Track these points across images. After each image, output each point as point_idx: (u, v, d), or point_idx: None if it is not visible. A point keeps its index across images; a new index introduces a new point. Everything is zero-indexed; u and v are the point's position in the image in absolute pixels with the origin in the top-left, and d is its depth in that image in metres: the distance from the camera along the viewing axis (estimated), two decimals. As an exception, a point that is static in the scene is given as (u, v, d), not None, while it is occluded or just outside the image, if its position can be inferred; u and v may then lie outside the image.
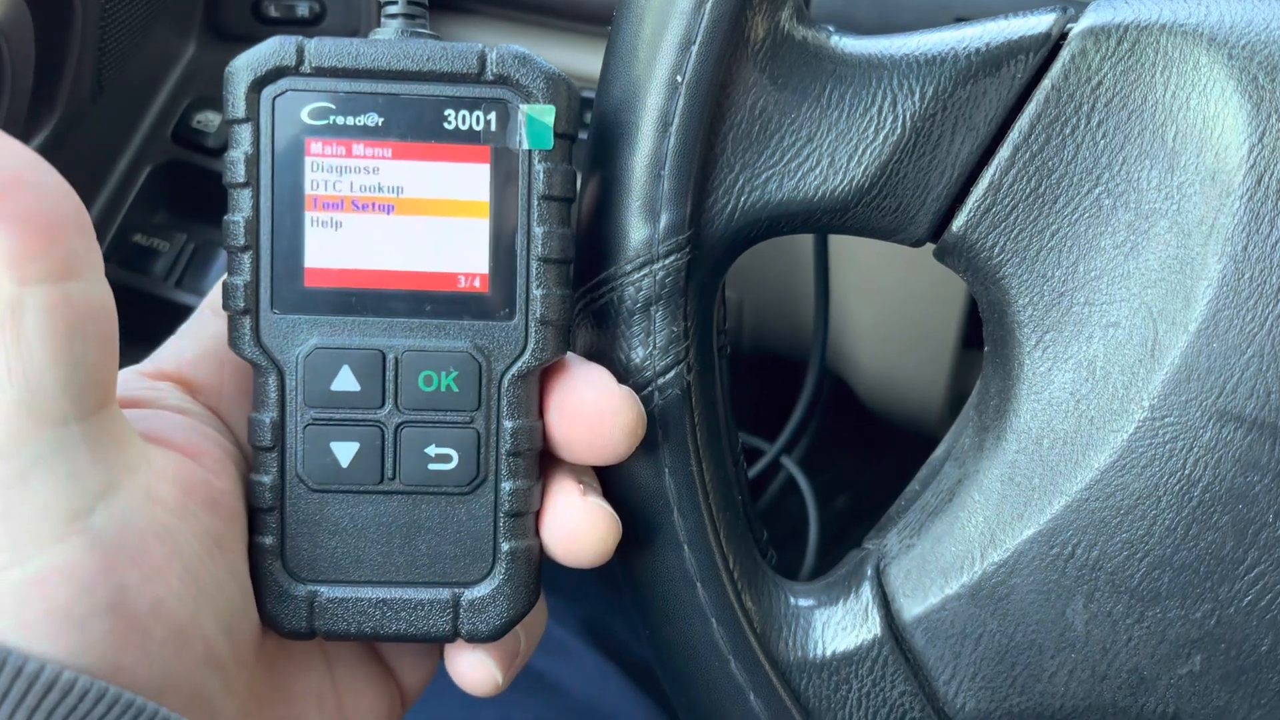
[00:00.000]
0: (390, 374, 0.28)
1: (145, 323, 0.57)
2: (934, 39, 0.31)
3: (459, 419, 0.29)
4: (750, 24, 0.30)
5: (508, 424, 0.29)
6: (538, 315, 0.28)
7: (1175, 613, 0.30)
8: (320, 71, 0.27)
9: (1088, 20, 0.30)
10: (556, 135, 0.28)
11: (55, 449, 0.24)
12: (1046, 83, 0.30)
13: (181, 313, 0.60)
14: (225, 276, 0.28)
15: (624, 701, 0.57)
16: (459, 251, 0.28)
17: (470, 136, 0.28)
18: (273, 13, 0.62)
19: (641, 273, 0.31)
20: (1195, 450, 0.29)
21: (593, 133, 0.32)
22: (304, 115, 0.28)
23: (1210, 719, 0.31)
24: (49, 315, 0.23)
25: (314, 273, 0.28)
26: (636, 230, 0.30)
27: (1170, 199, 0.29)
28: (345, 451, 0.28)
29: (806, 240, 0.67)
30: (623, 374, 0.31)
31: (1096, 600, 0.30)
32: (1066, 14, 0.30)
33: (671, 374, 0.31)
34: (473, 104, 0.28)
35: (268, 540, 0.29)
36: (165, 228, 0.61)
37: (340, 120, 0.28)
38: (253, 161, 0.28)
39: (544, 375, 0.30)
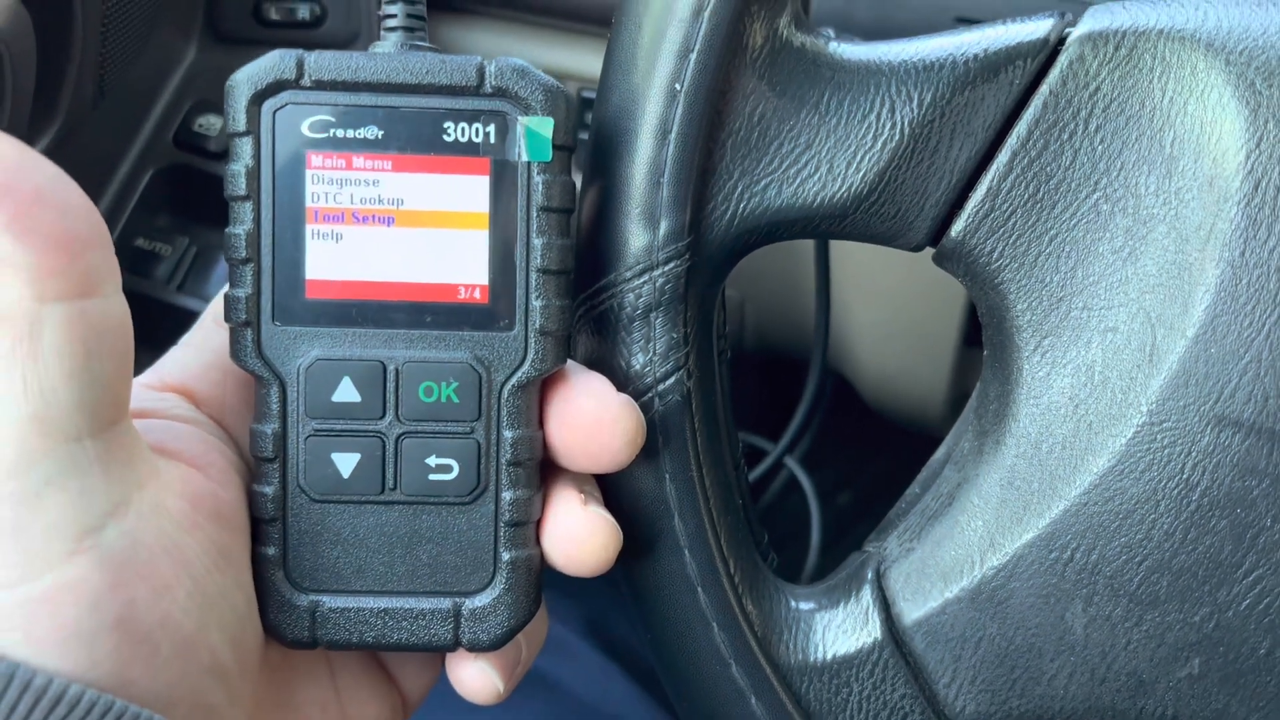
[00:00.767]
0: (391, 385, 0.28)
1: (148, 327, 0.57)
2: (932, 45, 0.31)
3: (459, 429, 0.29)
4: (749, 31, 0.30)
5: (508, 434, 0.29)
6: (537, 326, 0.29)
7: (1174, 616, 0.30)
8: (320, 85, 0.28)
9: (1086, 26, 0.30)
10: (555, 147, 0.28)
11: (68, 466, 0.24)
12: (1044, 88, 0.30)
13: (184, 316, 0.61)
14: (226, 289, 0.29)
15: (627, 701, 0.57)
16: (459, 263, 0.28)
17: (469, 149, 0.28)
18: (273, 15, 0.61)
19: (641, 279, 0.31)
20: (1193, 455, 0.29)
21: (592, 140, 0.32)
22: (304, 128, 0.28)
23: None
24: (67, 332, 0.23)
25: (315, 284, 0.28)
26: (636, 237, 0.31)
27: (1168, 204, 0.30)
28: (346, 462, 0.29)
29: (808, 239, 0.67)
30: (623, 380, 0.31)
31: (1095, 604, 0.31)
32: (1064, 19, 0.30)
33: (672, 380, 0.31)
34: (472, 116, 0.28)
35: (270, 551, 0.29)
36: (167, 231, 0.61)
37: (340, 133, 0.28)
38: (253, 174, 0.28)
39: (544, 384, 0.30)
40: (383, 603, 0.29)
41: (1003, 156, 0.30)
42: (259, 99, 0.28)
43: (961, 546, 0.32)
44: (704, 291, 0.32)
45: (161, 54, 0.60)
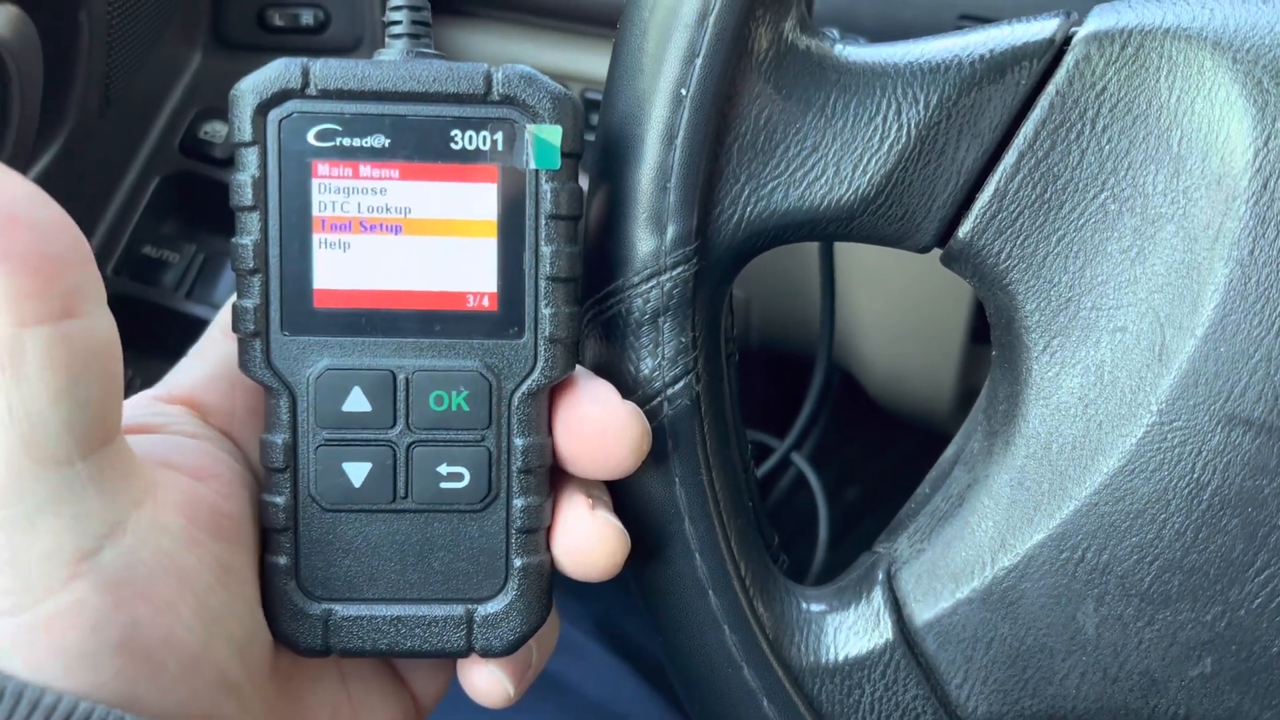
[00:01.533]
0: (401, 394, 0.28)
1: (156, 335, 0.57)
2: (937, 46, 0.31)
3: (470, 438, 0.29)
4: (754, 35, 0.30)
5: (518, 441, 0.29)
6: (547, 333, 0.29)
7: (1186, 615, 0.30)
8: (326, 94, 0.27)
9: (1091, 25, 0.30)
10: (563, 154, 0.28)
11: (60, 491, 0.23)
12: (1051, 88, 0.30)
13: (192, 323, 0.61)
14: (234, 299, 0.29)
15: (638, 701, 0.57)
16: (467, 271, 0.28)
17: (477, 156, 0.28)
18: (277, 21, 0.61)
19: (649, 284, 0.31)
20: (1204, 454, 0.29)
21: (598, 145, 0.32)
22: (310, 137, 0.28)
23: None
24: (49, 356, 0.23)
25: (323, 294, 0.28)
26: (644, 242, 0.31)
27: (1176, 204, 0.30)
28: (358, 472, 0.29)
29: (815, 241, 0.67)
30: (632, 384, 0.31)
31: (1107, 603, 0.31)
32: (1070, 18, 0.30)
33: (680, 384, 0.31)
34: (479, 124, 0.28)
35: (282, 560, 0.29)
36: (174, 239, 0.61)
37: (347, 142, 0.28)
38: (260, 184, 0.28)
39: (552, 390, 0.30)
40: (395, 610, 0.29)
41: (1009, 157, 0.30)
42: (264, 108, 0.27)
43: (972, 547, 0.32)
44: (711, 295, 0.32)
45: (166, 61, 0.60)
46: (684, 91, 0.30)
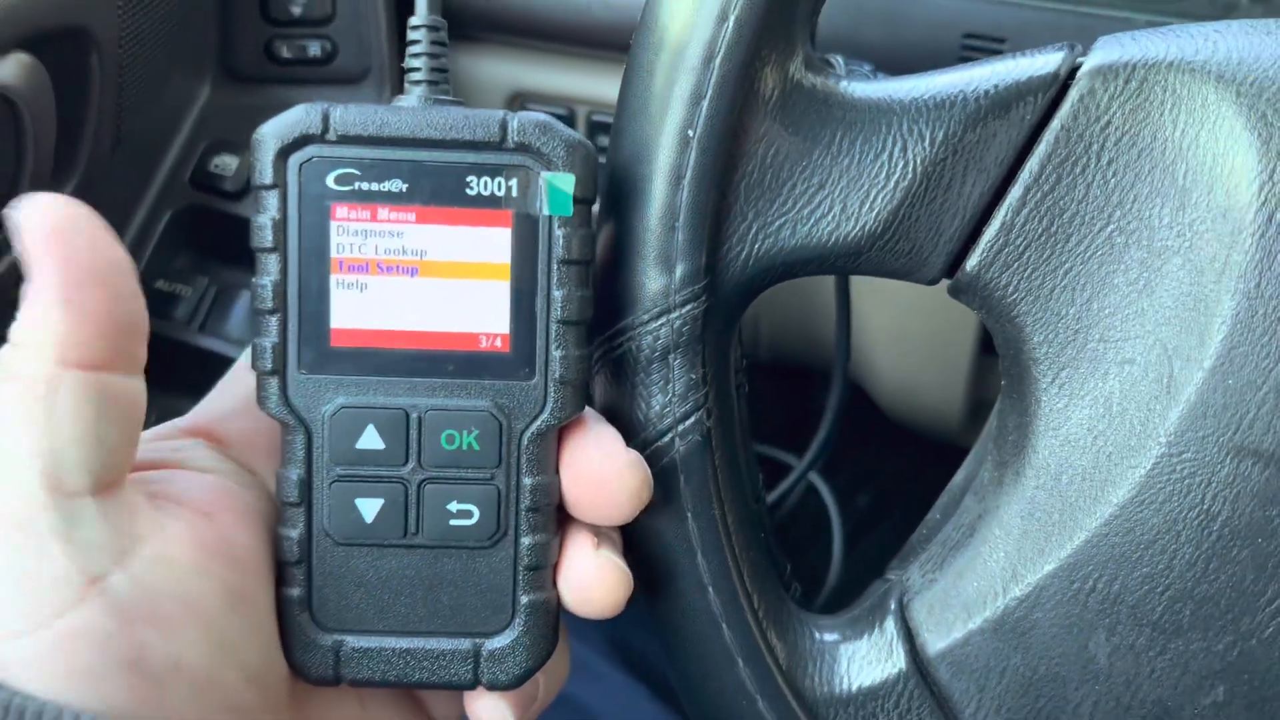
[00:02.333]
0: (414, 432, 0.29)
1: (170, 368, 0.57)
2: (942, 81, 0.31)
3: (480, 476, 0.29)
4: (760, 76, 0.30)
5: (527, 481, 0.29)
6: (557, 375, 0.29)
7: (1197, 645, 0.30)
8: (345, 139, 0.28)
9: (1095, 59, 0.30)
10: (576, 201, 0.28)
11: (72, 519, 0.25)
12: (1056, 123, 0.30)
13: (205, 357, 0.61)
14: (255, 338, 0.29)
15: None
16: (481, 313, 0.29)
17: (492, 202, 0.28)
18: (285, 53, 0.62)
19: (659, 322, 0.31)
20: (1213, 485, 0.29)
21: (606, 185, 0.32)
22: (330, 181, 0.28)
23: None
24: (82, 397, 0.25)
25: (340, 333, 0.29)
26: (653, 281, 0.31)
27: (1182, 236, 0.30)
28: (370, 508, 0.29)
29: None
30: (643, 421, 0.31)
31: (1119, 633, 0.31)
32: (1074, 51, 0.31)
33: (691, 420, 0.31)
34: (494, 170, 0.28)
35: (295, 592, 0.29)
36: (186, 272, 0.61)
37: (365, 186, 0.28)
38: (280, 226, 0.28)
39: (561, 430, 0.30)
40: (405, 643, 0.30)
41: (1015, 191, 0.31)
42: (285, 153, 0.28)
43: (984, 578, 0.32)
44: (721, 331, 0.32)
45: (176, 96, 0.61)
46: (691, 133, 0.30)
